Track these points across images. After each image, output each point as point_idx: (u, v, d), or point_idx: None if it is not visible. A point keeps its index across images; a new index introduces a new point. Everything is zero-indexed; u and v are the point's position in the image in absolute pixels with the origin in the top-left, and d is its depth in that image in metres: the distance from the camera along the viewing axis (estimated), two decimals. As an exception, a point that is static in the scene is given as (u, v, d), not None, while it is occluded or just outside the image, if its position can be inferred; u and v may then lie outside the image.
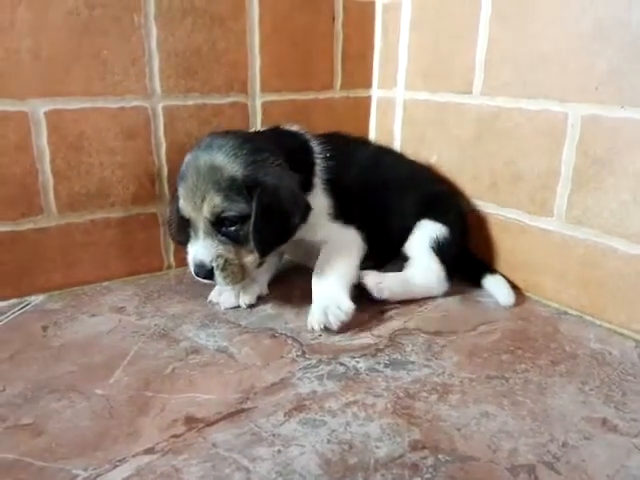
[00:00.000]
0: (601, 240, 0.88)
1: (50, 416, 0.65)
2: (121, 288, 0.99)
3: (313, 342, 0.82)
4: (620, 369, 0.77)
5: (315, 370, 0.75)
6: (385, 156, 1.07)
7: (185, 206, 0.83)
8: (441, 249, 0.97)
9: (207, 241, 0.82)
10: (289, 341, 0.82)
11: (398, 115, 1.18)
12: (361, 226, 0.95)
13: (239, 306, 0.93)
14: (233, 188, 0.80)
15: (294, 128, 0.97)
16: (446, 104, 1.08)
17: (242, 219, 0.82)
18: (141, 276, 1.04)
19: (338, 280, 0.88)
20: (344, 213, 0.94)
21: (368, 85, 1.23)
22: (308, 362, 0.77)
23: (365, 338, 0.84)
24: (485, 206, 1.05)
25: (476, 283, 1.01)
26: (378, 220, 0.98)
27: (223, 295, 0.93)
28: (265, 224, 0.81)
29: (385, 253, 1.01)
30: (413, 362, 0.78)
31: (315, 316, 0.84)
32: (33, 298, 0.94)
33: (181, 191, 0.84)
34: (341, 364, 0.77)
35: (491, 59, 0.98)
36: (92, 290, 0.98)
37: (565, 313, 0.94)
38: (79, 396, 0.68)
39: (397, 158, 1.11)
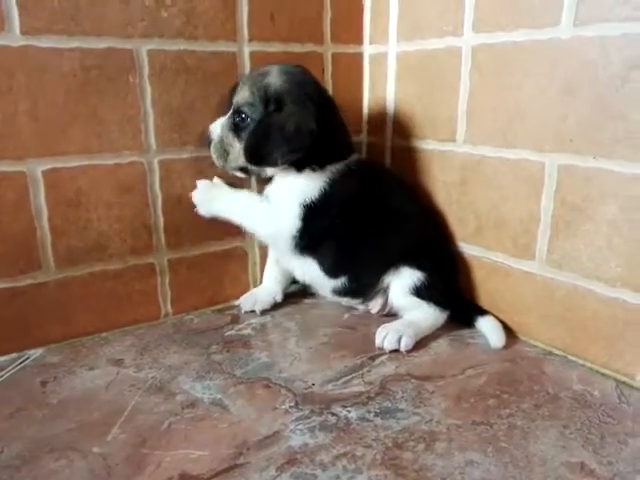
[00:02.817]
0: (581, 283, 0.91)
1: (48, 477, 0.66)
2: (119, 339, 1.02)
3: (306, 391, 0.85)
4: (600, 411, 0.80)
5: (307, 421, 0.77)
6: (393, 182, 1.10)
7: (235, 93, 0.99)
8: (422, 292, 1.01)
9: (223, 120, 0.99)
10: (283, 391, 0.85)
11: (387, 160, 1.23)
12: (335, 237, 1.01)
13: (254, 311, 1.12)
14: (261, 94, 0.94)
15: None
16: (432, 151, 1.12)
17: (251, 119, 0.95)
18: (139, 325, 1.06)
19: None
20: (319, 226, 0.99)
21: (359, 132, 1.27)
22: (301, 413, 0.79)
23: (357, 386, 0.86)
24: (471, 249, 1.09)
25: (468, 324, 1.04)
26: (358, 233, 1.02)
27: (245, 299, 1.14)
28: (260, 135, 0.93)
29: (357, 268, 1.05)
30: (402, 410, 0.80)
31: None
32: (32, 352, 0.96)
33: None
34: (333, 414, 0.79)
35: (473, 110, 1.03)
36: (90, 342, 1.00)
37: (550, 353, 0.97)
38: (77, 455, 0.70)
39: (401, 188, 1.10)
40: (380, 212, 1.03)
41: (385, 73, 1.20)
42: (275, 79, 0.95)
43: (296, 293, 1.21)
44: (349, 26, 1.20)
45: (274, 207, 1.00)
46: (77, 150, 0.95)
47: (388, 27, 1.17)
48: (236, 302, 1.16)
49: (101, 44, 0.93)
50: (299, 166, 0.97)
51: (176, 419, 0.78)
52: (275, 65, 0.99)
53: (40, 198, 0.93)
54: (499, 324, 1.00)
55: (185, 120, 1.04)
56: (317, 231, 0.99)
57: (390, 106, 1.20)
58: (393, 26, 1.16)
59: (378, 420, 0.78)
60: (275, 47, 1.11)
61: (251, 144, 0.94)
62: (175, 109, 1.03)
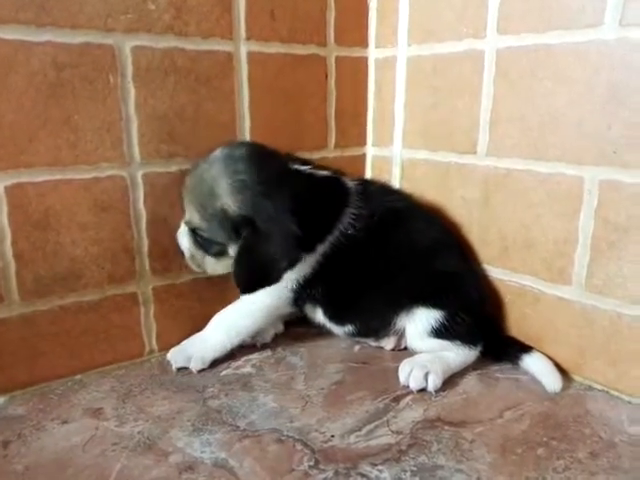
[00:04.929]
0: (626, 311, 0.82)
1: None
2: (96, 382, 0.86)
3: (326, 446, 0.72)
4: (668, 461, 0.70)
5: (334, 487, 0.64)
6: (399, 212, 0.95)
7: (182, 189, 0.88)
8: (442, 332, 0.90)
9: (185, 231, 0.89)
10: (298, 446, 0.72)
11: (395, 174, 1.12)
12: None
13: (255, 345, 0.99)
14: (219, 220, 0.83)
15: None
16: (448, 164, 1.02)
17: (215, 242, 0.87)
18: (119, 364, 0.91)
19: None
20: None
21: (363, 143, 1.16)
22: (324, 475, 0.66)
23: (384, 436, 0.74)
24: (494, 272, 0.98)
25: (509, 362, 0.93)
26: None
27: None
28: (246, 266, 0.84)
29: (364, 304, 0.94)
30: (443, 466, 0.68)
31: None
32: (-9, 402, 0.81)
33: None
34: (362, 475, 0.66)
35: (497, 119, 0.93)
36: (62, 386, 0.85)
37: (590, 388, 0.87)
38: None
39: (410, 217, 0.96)
40: (382, 252, 0.91)
41: (393, 79, 1.10)
42: (231, 200, 0.81)
43: (295, 321, 1.07)
44: (354, 27, 1.10)
45: (260, 293, 0.88)
46: (47, 162, 0.80)
47: (397, 29, 1.07)
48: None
49: (77, 38, 0.80)
50: None
51: (173, 489, 0.64)
52: (215, 164, 0.84)
53: (2, 219, 0.78)
54: (551, 363, 0.88)
55: (174, 128, 0.90)
56: (313, 293, 0.93)
57: (399, 115, 1.10)
58: (403, 28, 1.06)
59: (417, 482, 0.66)
60: (275, 48, 0.99)
61: (241, 280, 0.85)
62: (162, 116, 0.89)
